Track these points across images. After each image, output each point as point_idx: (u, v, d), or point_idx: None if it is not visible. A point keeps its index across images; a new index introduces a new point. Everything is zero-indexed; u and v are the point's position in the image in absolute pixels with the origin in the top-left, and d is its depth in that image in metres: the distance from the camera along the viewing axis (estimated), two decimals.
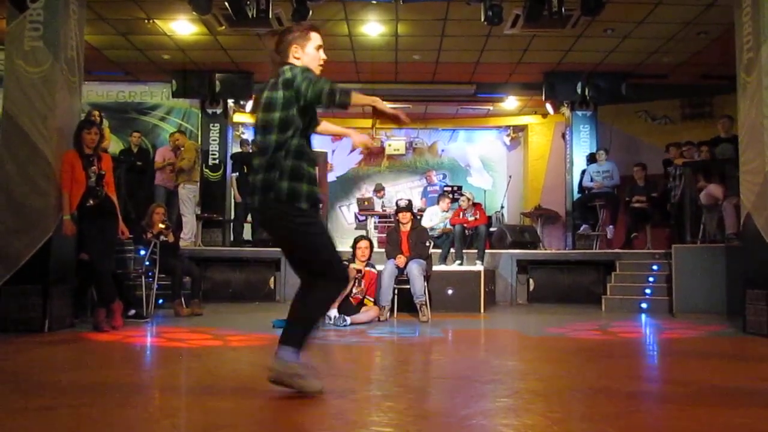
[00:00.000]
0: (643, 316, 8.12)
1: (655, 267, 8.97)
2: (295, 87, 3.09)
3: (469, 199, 9.69)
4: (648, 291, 8.67)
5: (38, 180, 5.91)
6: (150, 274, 7.21)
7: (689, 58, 10.71)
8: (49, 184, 5.92)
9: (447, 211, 9.76)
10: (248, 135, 12.64)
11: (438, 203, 10.16)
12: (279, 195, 3.07)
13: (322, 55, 3.30)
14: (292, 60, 3.22)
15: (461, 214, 9.50)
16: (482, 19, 8.18)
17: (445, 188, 12.02)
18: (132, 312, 6.80)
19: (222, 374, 4.05)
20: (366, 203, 12.54)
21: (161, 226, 7.38)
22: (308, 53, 3.25)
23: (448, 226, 9.44)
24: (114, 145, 11.03)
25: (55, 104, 6.03)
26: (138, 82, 12.29)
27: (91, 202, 5.90)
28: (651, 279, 8.81)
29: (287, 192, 3.07)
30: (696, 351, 5.41)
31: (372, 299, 7.13)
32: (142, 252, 7.42)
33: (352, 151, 15.73)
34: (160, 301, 7.77)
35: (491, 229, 11.23)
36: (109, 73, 11.76)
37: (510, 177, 14.02)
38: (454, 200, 10.62)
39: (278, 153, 3.09)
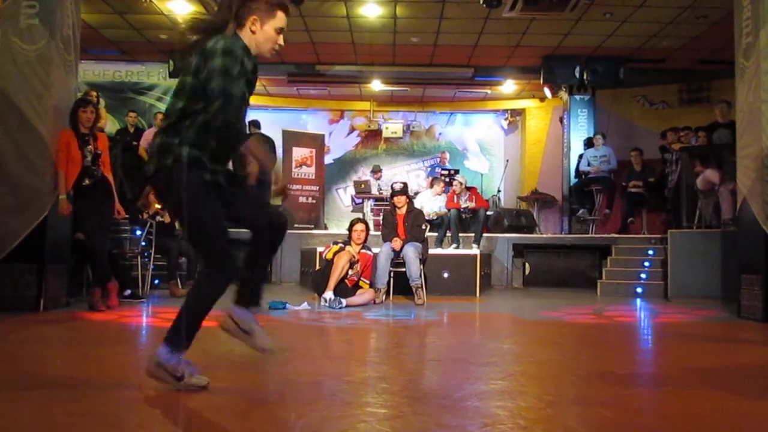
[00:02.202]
0: (638, 300, 8.16)
1: (650, 252, 9.00)
2: (209, 69, 2.69)
3: (461, 183, 9.68)
4: (643, 276, 8.71)
5: (34, 159, 5.86)
6: (146, 254, 7.21)
7: (688, 43, 10.69)
8: (44, 163, 5.88)
9: (440, 195, 9.76)
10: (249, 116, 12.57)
11: (431, 187, 10.14)
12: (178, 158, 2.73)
13: (280, 40, 2.92)
14: (246, 30, 2.84)
15: (455, 198, 9.49)
16: (481, 2, 8.14)
17: (442, 172, 12.02)
18: (127, 292, 6.81)
19: (217, 354, 4.05)
20: (363, 186, 12.53)
21: (157, 206, 7.37)
22: (266, 31, 2.86)
23: (443, 210, 9.44)
24: (110, 125, 10.97)
25: (50, 82, 5.97)
26: (135, 61, 12.21)
27: (87, 181, 5.88)
28: (646, 264, 8.84)
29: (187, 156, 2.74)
30: (690, 335, 5.44)
31: (368, 282, 7.15)
32: (138, 232, 7.41)
33: (349, 133, 15.70)
34: (156, 281, 7.78)
35: (488, 213, 11.25)
36: (105, 52, 11.69)
37: (507, 161, 14.02)
38: (448, 184, 10.62)
39: (183, 122, 2.76)
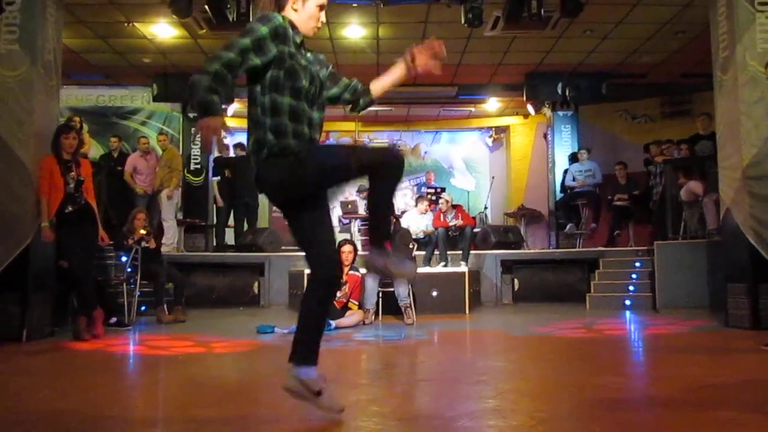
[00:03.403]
0: (628, 312, 8.16)
1: (638, 264, 9.02)
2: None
3: (447, 201, 9.69)
4: (632, 288, 8.72)
5: (15, 186, 5.81)
6: (132, 280, 7.13)
7: (668, 57, 10.80)
8: (26, 190, 5.82)
9: (425, 214, 9.77)
10: (230, 140, 12.51)
11: (416, 206, 10.14)
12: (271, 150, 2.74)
13: (322, 17, 2.92)
14: (288, 9, 2.84)
15: (441, 216, 9.49)
16: (462, 22, 8.19)
17: (428, 190, 12.02)
18: (113, 320, 6.73)
19: (205, 381, 4.00)
20: (349, 206, 12.49)
21: (142, 231, 7.31)
22: (308, 9, 2.86)
23: (430, 228, 9.44)
24: (94, 150, 10.91)
25: (32, 108, 5.94)
26: (118, 85, 12.17)
27: (70, 208, 5.81)
28: (634, 276, 8.86)
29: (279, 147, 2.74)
30: (680, 346, 5.44)
31: (356, 303, 7.11)
32: (124, 258, 7.33)
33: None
34: (143, 307, 7.69)
35: (475, 230, 11.25)
36: (88, 76, 11.64)
37: (493, 178, 14.05)
38: (434, 202, 10.62)
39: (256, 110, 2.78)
